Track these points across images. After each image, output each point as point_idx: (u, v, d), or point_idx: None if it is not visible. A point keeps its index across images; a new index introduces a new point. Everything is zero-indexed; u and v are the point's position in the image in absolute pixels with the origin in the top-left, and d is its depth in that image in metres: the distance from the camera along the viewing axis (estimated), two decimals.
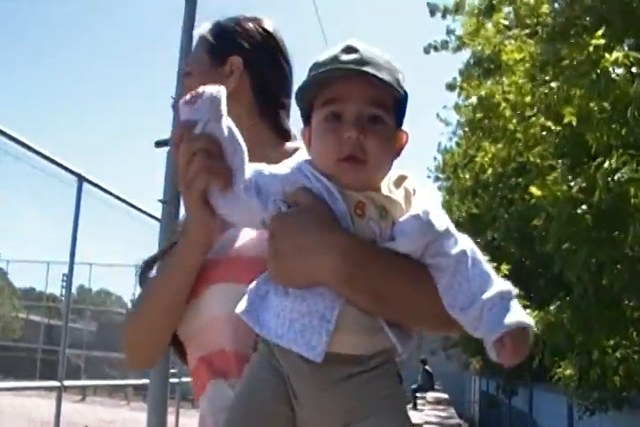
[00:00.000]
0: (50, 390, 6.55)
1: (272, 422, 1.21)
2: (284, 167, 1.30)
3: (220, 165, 1.29)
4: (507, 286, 1.23)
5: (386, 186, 1.29)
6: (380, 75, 1.23)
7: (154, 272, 1.57)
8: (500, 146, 8.57)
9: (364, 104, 1.25)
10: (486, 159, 9.10)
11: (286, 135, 1.66)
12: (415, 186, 1.32)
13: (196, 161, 1.28)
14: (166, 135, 7.34)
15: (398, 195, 1.28)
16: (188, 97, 1.32)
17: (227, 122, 1.31)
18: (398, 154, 1.33)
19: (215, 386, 1.44)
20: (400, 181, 1.32)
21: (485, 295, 1.20)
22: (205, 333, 1.45)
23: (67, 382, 6.11)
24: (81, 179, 6.39)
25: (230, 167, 1.29)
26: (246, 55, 1.63)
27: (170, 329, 1.49)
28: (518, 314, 1.19)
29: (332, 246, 1.20)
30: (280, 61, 1.67)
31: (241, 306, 1.27)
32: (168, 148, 7.17)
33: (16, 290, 30.32)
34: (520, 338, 1.18)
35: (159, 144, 7.54)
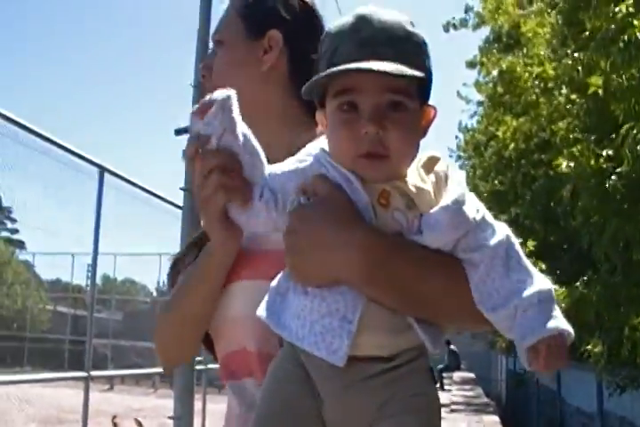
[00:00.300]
0: (77, 380, 6.59)
1: (298, 416, 1.13)
2: (298, 162, 1.21)
3: (237, 181, 1.20)
4: (545, 284, 1.13)
5: (414, 170, 1.18)
6: (398, 62, 1.10)
7: (181, 278, 1.50)
8: (522, 120, 8.45)
9: (381, 92, 1.14)
10: (508, 134, 8.97)
11: None
12: (448, 169, 1.20)
13: (212, 179, 1.20)
14: (185, 123, 7.30)
15: (427, 182, 1.17)
16: (196, 108, 1.22)
17: (242, 130, 1.21)
18: (425, 132, 1.22)
19: (234, 388, 1.40)
20: (430, 164, 1.20)
21: (521, 295, 1.10)
22: (228, 331, 1.39)
23: (93, 373, 6.16)
24: (102, 170, 6.42)
25: (249, 181, 1.21)
26: (286, 27, 1.50)
27: (198, 335, 1.45)
28: (556, 319, 1.09)
29: (349, 242, 1.11)
30: (318, 34, 1.56)
31: (262, 306, 1.20)
32: (188, 135, 7.13)
33: (42, 282, 30.62)
34: (557, 346, 1.08)
35: (179, 132, 7.49)
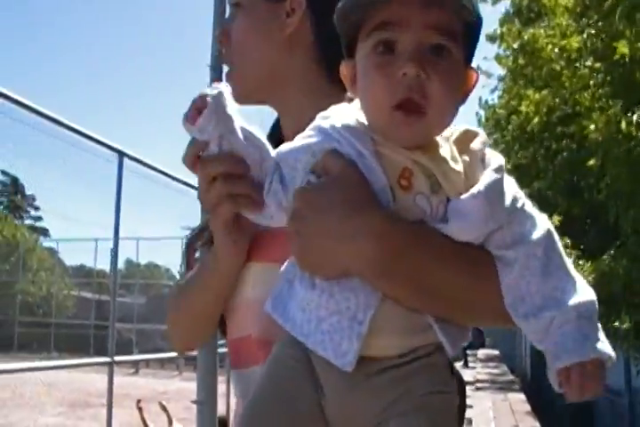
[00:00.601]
0: (102, 364, 6.63)
1: (295, 401, 1.01)
2: (304, 137, 1.06)
3: (244, 187, 1.11)
4: (587, 295, 0.97)
5: (446, 146, 1.01)
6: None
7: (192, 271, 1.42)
8: (544, 93, 8.32)
9: (425, 30, 0.97)
10: (531, 107, 8.82)
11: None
12: (485, 148, 1.03)
13: (217, 188, 1.12)
14: None
15: (459, 161, 1.01)
16: (186, 114, 1.10)
17: (240, 124, 1.10)
18: (465, 99, 1.06)
19: (240, 376, 1.32)
20: (465, 140, 1.03)
21: (558, 306, 0.95)
22: (237, 315, 1.31)
23: (117, 358, 6.18)
24: (121, 154, 6.40)
25: (258, 181, 1.10)
26: None
27: (212, 322, 1.39)
28: (596, 339, 0.95)
29: (360, 230, 0.96)
30: None
31: (270, 297, 1.09)
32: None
33: (66, 268, 31.03)
34: (592, 371, 0.93)
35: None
